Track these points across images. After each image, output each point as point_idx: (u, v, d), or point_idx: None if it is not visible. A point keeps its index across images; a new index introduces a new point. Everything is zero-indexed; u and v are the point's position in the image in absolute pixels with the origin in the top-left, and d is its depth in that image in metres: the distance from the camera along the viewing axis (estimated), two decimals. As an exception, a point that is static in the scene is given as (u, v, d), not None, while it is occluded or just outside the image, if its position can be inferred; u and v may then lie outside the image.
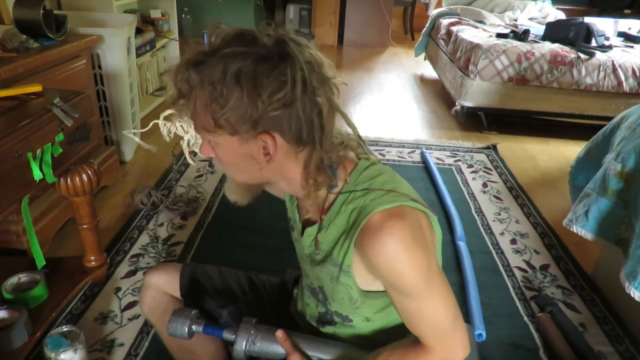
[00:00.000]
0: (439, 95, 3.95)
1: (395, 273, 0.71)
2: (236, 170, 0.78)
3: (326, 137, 0.73)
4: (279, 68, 0.65)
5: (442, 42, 3.85)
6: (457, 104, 3.18)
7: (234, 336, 0.85)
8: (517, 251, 1.93)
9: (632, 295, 1.27)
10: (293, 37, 0.69)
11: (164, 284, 1.04)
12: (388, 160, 2.69)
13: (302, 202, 0.87)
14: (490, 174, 2.59)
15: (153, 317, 1.06)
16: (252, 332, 0.85)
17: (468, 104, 3.12)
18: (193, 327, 0.88)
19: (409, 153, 2.79)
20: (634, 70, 2.92)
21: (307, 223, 0.87)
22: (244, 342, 0.84)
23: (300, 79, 0.66)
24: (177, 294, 1.04)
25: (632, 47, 3.27)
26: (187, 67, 0.68)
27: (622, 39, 3.54)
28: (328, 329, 0.91)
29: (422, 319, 0.76)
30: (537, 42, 3.20)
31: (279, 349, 0.83)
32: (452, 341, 0.77)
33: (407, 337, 0.82)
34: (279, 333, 0.82)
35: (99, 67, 2.20)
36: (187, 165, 2.47)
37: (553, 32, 3.28)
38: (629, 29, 3.68)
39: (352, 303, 0.83)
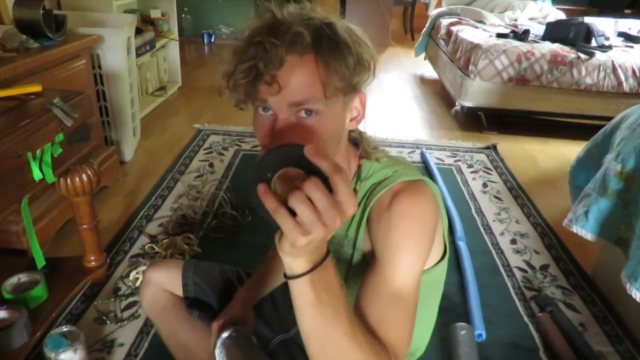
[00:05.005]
0: (439, 95, 3.95)
1: (402, 213, 0.69)
2: (330, 144, 0.71)
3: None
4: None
5: (442, 42, 3.85)
6: (457, 104, 3.18)
7: None
8: (517, 251, 1.93)
9: (633, 296, 1.27)
10: None
11: (165, 281, 1.04)
12: (388, 160, 2.69)
13: None
14: (490, 174, 2.59)
15: (152, 313, 1.06)
16: None
17: (468, 104, 3.11)
18: None
19: (409, 153, 2.79)
20: (634, 70, 2.92)
21: None
22: None
23: None
24: (178, 291, 1.03)
25: (632, 47, 3.27)
26: (306, 28, 0.65)
27: (622, 39, 3.54)
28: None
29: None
30: (537, 42, 3.20)
31: None
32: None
33: None
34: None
35: (99, 67, 2.20)
36: (187, 165, 2.47)
37: (553, 32, 3.28)
38: (629, 29, 3.68)
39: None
